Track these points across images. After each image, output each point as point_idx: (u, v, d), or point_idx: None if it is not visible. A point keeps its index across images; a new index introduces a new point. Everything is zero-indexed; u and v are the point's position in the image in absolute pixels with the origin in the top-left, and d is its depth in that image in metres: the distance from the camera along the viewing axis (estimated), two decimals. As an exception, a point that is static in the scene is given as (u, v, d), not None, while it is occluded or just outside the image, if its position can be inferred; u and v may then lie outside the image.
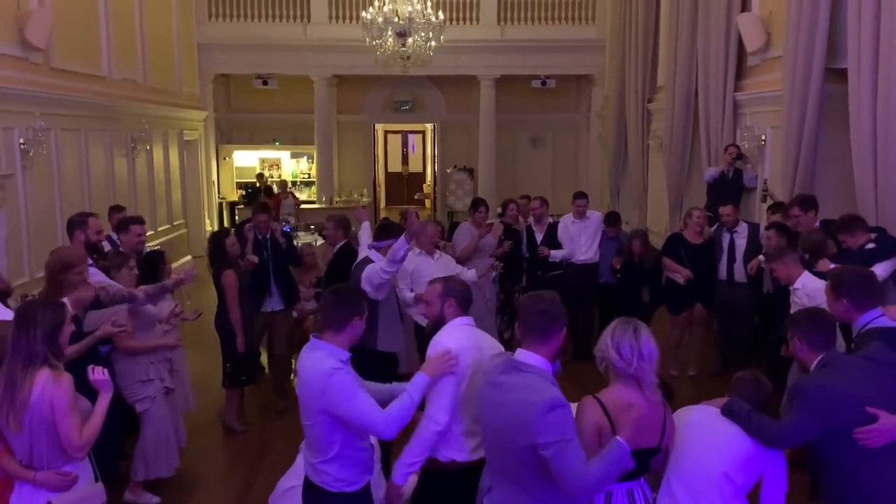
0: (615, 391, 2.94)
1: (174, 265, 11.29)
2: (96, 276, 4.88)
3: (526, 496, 2.89)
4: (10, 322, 3.57)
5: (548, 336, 2.93)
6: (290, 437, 4.84)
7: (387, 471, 4.31)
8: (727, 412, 3.12)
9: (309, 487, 3.35)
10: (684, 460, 3.04)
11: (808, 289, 5.00)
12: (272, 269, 6.68)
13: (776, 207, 6.93)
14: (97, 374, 3.34)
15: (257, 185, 15.16)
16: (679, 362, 7.37)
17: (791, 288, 5.19)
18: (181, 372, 5.74)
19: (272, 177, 16.49)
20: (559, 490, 2.77)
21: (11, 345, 3.19)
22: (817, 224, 6.04)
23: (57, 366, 3.23)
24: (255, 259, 6.54)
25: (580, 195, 8.07)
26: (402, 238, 4.87)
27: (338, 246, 6.41)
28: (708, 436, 3.07)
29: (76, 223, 5.37)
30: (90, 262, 5.12)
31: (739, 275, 7.04)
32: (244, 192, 15.51)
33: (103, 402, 3.34)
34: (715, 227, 7.37)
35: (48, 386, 3.15)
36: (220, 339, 6.11)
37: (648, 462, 2.98)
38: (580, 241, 7.85)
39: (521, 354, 2.94)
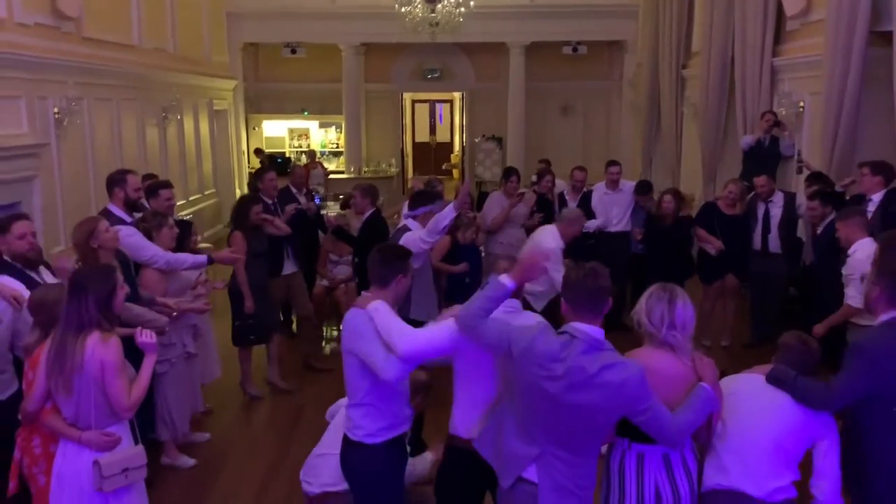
0: (643, 352, 2.99)
1: (206, 233, 11.43)
2: (132, 236, 4.91)
3: (581, 459, 2.92)
4: (61, 285, 3.64)
5: (602, 307, 2.90)
6: (322, 404, 4.85)
7: (417, 445, 4.32)
8: (773, 380, 3.03)
9: (344, 436, 3.43)
10: (732, 430, 2.98)
11: (858, 256, 4.84)
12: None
13: (813, 179, 6.73)
14: (145, 336, 3.43)
15: (260, 160, 14.81)
16: (712, 333, 7.29)
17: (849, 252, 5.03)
18: (208, 340, 5.79)
19: (300, 146, 16.47)
20: (659, 442, 2.89)
21: (65, 313, 3.26)
22: (884, 192, 5.63)
23: (108, 328, 3.30)
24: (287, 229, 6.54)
25: (613, 163, 8.01)
26: (449, 208, 4.78)
27: (366, 214, 6.40)
28: (755, 404, 3.00)
29: (115, 180, 5.35)
30: (129, 220, 5.16)
31: (774, 245, 6.98)
32: (268, 161, 15.41)
33: (149, 363, 3.44)
34: (750, 196, 7.23)
35: (98, 347, 3.22)
36: (230, 301, 6.16)
37: None
38: (613, 211, 7.79)
39: (591, 330, 2.86)
